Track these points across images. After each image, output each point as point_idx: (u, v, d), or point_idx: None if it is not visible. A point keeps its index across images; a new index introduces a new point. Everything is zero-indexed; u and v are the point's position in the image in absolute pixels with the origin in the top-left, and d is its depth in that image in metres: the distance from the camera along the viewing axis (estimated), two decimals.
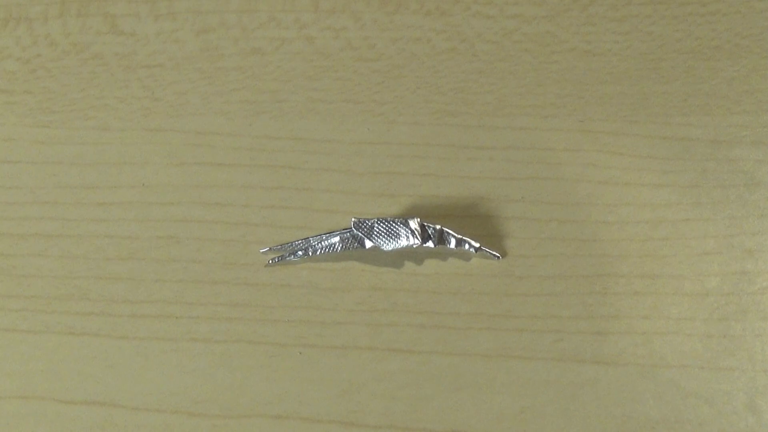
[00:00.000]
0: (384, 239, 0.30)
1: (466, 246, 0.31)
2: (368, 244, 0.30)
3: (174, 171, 0.31)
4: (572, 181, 0.31)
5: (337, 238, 0.30)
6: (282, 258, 0.31)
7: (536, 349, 0.30)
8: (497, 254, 0.31)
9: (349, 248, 0.30)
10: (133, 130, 0.31)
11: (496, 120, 0.32)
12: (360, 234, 0.30)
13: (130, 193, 0.31)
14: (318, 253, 0.30)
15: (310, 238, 0.31)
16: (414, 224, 0.30)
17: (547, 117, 0.32)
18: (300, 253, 0.31)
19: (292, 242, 0.31)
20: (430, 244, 0.30)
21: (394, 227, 0.30)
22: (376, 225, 0.30)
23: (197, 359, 0.30)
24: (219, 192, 0.31)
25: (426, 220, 0.31)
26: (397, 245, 0.30)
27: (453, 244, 0.30)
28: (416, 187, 0.32)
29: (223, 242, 0.31)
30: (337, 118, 0.32)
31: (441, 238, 0.30)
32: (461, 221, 0.31)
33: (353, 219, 0.30)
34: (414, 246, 0.30)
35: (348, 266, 0.31)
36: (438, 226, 0.30)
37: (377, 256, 0.31)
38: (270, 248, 0.31)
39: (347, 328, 0.30)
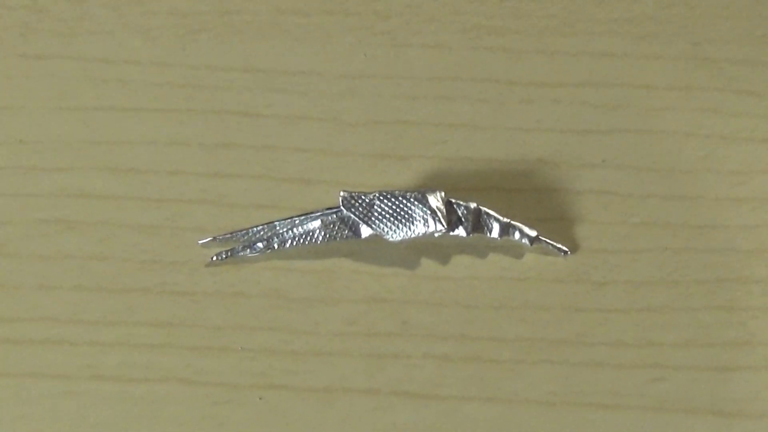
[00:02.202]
0: (390, 224, 0.30)
1: (517, 235, 0.31)
2: (365, 231, 0.30)
3: (65, 119, 0.32)
4: (681, 136, 0.32)
5: (317, 223, 0.31)
6: (233, 253, 0.31)
7: (624, 394, 0.30)
8: (564, 248, 0.31)
9: (336, 238, 0.30)
10: (3, 57, 0.32)
11: (562, 42, 0.32)
12: (353, 217, 0.30)
13: None
14: (288, 245, 0.31)
15: (276, 224, 0.31)
16: (436, 201, 0.30)
17: (643, 37, 0.32)
18: (260, 245, 0.31)
19: (247, 229, 0.31)
20: (460, 231, 0.30)
21: (406, 206, 0.30)
22: (378, 202, 0.30)
23: (106, 407, 0.30)
24: (135, 152, 0.32)
25: (454, 194, 0.31)
26: (409, 233, 0.30)
27: (496, 231, 0.31)
28: (439, 144, 0.32)
29: (141, 229, 0.31)
30: (316, 38, 0.32)
31: (477, 223, 0.31)
32: (509, 197, 0.32)
33: (342, 193, 0.30)
34: (436, 235, 0.30)
35: (334, 266, 0.31)
36: (473, 205, 0.30)
37: (379, 251, 0.31)
38: (214, 238, 0.31)
39: (333, 361, 0.30)
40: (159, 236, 0.31)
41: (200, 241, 0.31)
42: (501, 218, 0.31)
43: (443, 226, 0.30)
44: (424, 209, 0.30)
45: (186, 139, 0.32)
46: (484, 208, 0.31)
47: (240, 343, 0.30)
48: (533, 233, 0.31)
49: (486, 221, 0.31)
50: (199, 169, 0.32)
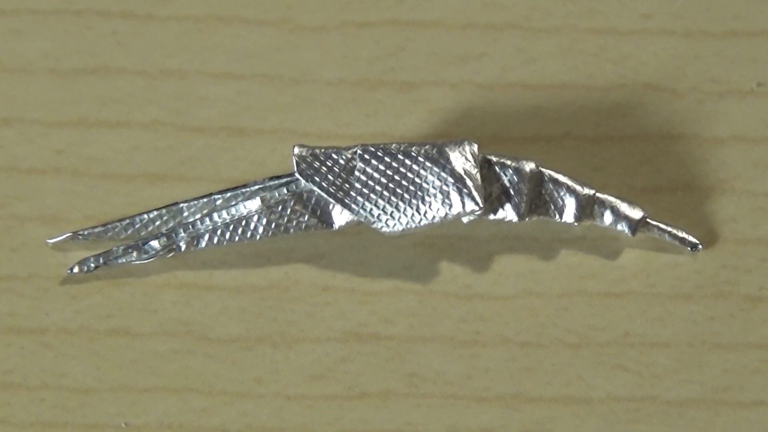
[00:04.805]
0: (383, 203, 0.30)
1: (607, 218, 0.31)
2: (340, 217, 0.31)
3: None
4: None
5: (255, 204, 0.31)
6: (108, 259, 0.31)
7: None
8: (692, 239, 0.31)
9: (288, 230, 0.31)
10: None
11: None
12: (317, 191, 0.30)
13: None
14: (205, 243, 0.31)
15: (183, 206, 0.31)
16: (463, 160, 0.30)
17: None
18: (156, 245, 0.31)
19: (133, 217, 0.31)
20: (507, 213, 0.30)
21: (411, 170, 0.30)
22: (362, 165, 0.30)
23: None
24: None
25: (496, 147, 0.31)
26: (417, 219, 0.30)
27: (571, 212, 0.31)
28: (471, 60, 0.32)
29: None
30: None
31: (538, 198, 0.31)
32: (593, 151, 0.32)
33: (297, 149, 0.30)
34: (465, 220, 0.30)
35: (287, 279, 0.31)
36: (529, 165, 0.30)
37: (364, 252, 0.31)
38: (75, 233, 0.31)
39: None
40: None
41: (51, 240, 0.31)
42: (580, 188, 0.31)
43: (477, 204, 0.30)
44: (444, 175, 0.30)
45: (26, 61, 0.32)
46: (548, 171, 0.31)
47: (124, 416, 0.31)
48: (637, 214, 0.31)
49: (553, 194, 0.31)
50: (47, 115, 0.32)
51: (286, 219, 0.30)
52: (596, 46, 0.32)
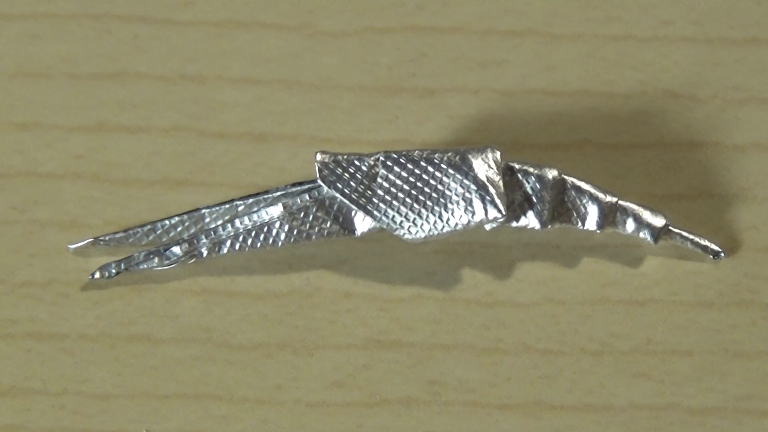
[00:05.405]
0: (405, 210, 0.30)
1: (630, 225, 0.31)
2: (362, 224, 0.31)
3: None
4: None
5: (277, 211, 0.31)
6: (129, 264, 0.31)
7: None
8: (715, 247, 0.31)
9: (310, 236, 0.31)
10: None
11: None
12: (340, 198, 0.30)
13: None
14: (227, 250, 0.31)
15: (205, 212, 0.31)
16: (486, 167, 0.30)
17: None
18: (177, 251, 0.31)
19: (154, 223, 0.31)
20: (530, 220, 0.31)
21: (433, 177, 0.30)
22: (384, 172, 0.30)
23: None
24: None
25: (518, 155, 0.31)
26: (440, 226, 0.30)
27: (593, 219, 0.31)
28: (492, 66, 0.32)
29: None
30: None
31: (560, 206, 0.31)
32: (616, 158, 0.32)
33: (319, 156, 0.30)
34: (487, 227, 0.30)
35: (308, 285, 0.31)
36: (552, 173, 0.30)
37: (386, 259, 0.31)
38: (95, 239, 0.31)
39: None
40: (0, 237, 0.31)
41: (72, 245, 0.31)
42: (602, 196, 0.30)
43: (499, 211, 0.30)
44: (466, 182, 0.30)
45: (45, 67, 0.32)
46: (571, 179, 0.31)
47: (145, 423, 0.31)
48: (660, 221, 0.31)
49: (576, 202, 0.31)
50: (66, 119, 0.32)
51: (308, 225, 0.30)
52: (617, 53, 0.32)
